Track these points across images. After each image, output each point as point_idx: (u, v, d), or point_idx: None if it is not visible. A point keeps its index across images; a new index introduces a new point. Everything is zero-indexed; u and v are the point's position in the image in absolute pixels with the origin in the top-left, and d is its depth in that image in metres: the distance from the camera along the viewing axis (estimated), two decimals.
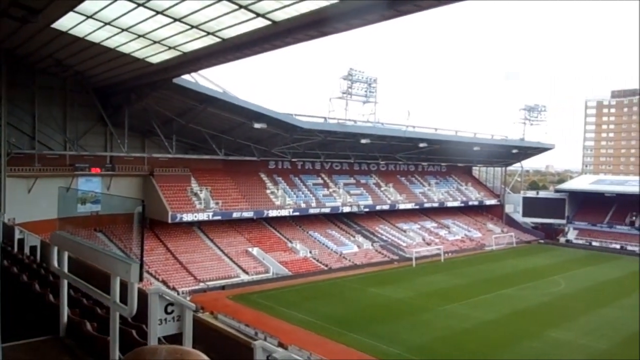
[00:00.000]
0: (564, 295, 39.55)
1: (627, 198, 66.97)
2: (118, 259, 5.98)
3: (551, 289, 41.40)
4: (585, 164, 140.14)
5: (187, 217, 41.77)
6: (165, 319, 5.96)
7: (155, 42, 23.74)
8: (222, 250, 44.12)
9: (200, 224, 45.54)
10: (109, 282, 5.89)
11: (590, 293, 40.48)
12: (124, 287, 5.80)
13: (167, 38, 23.06)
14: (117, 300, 5.86)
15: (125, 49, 25.19)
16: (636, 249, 61.00)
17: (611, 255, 58.95)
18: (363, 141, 49.65)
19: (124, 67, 28.80)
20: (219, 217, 44.34)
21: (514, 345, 27.58)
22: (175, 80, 31.80)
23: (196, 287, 37.60)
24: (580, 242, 66.01)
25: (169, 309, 6.00)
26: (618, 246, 62.80)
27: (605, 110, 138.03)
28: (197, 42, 23.04)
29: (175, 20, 20.69)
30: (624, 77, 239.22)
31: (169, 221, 40.58)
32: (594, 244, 64.59)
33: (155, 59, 26.33)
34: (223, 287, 38.73)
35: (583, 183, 78.39)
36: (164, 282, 36.58)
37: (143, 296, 5.80)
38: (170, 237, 43.11)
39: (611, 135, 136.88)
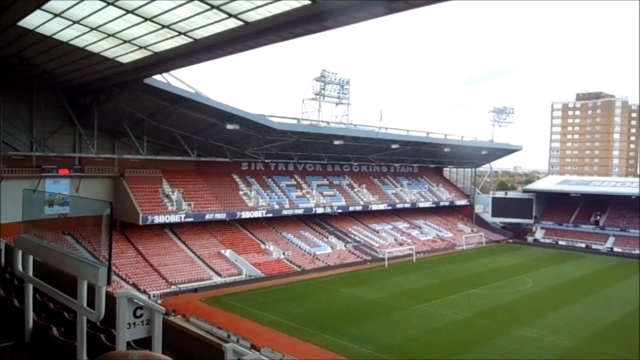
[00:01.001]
0: (532, 293, 40.50)
1: (591, 198, 69.17)
2: (85, 262, 5.94)
3: (519, 287, 42.37)
4: (551, 165, 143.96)
5: (159, 219, 41.23)
6: (134, 323, 5.94)
7: (125, 42, 23.38)
8: (194, 253, 43.70)
9: (172, 226, 45.02)
10: (76, 286, 5.84)
11: (557, 291, 41.56)
12: (91, 290, 5.77)
13: (137, 38, 22.75)
14: (85, 304, 5.82)
15: (94, 48, 24.74)
16: (600, 247, 63.02)
17: (577, 254, 60.65)
18: (336, 142, 49.91)
19: (93, 67, 28.28)
20: (191, 219, 43.92)
21: (484, 343, 28.12)
22: (146, 81, 31.40)
23: (168, 290, 37.14)
24: (547, 241, 67.74)
25: (138, 312, 5.98)
26: (583, 245, 64.66)
27: (570, 113, 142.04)
28: (169, 42, 22.80)
29: (145, 19, 20.44)
30: (589, 80, 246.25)
31: (140, 223, 39.99)
32: (560, 243, 66.37)
33: (125, 59, 25.93)
34: (195, 290, 38.37)
35: (550, 183, 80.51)
36: (135, 286, 36.05)
37: (111, 300, 5.78)
38: (141, 239, 42.49)
39: (576, 136, 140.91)
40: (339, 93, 51.90)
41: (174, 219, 42.45)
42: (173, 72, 31.48)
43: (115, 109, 36.39)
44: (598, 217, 68.59)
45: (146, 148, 42.43)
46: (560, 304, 36.88)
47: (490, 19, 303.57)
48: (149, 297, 34.63)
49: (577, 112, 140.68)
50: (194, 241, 45.19)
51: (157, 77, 32.04)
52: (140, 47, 24.01)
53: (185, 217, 43.17)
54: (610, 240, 64.13)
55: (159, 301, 33.53)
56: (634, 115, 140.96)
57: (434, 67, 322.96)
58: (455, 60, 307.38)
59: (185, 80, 35.65)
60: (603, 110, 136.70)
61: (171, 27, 20.88)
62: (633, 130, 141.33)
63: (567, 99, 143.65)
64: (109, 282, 5.59)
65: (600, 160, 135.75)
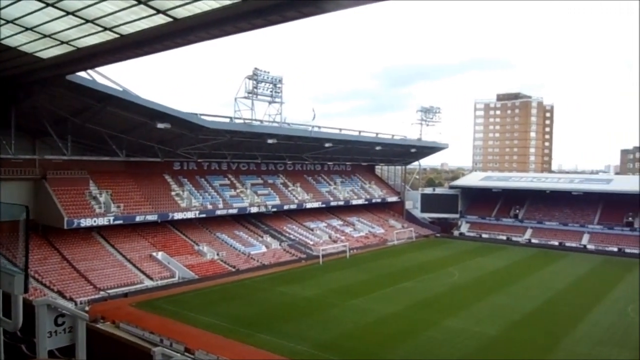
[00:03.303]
0: (458, 285, 42.59)
1: (511, 193, 73.67)
2: None
3: (446, 280, 44.43)
4: (475, 162, 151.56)
5: (86, 222, 39.50)
6: (56, 331, 5.84)
7: (45, 36, 22.23)
8: (124, 256, 42.26)
9: (100, 229, 43.25)
10: None
11: (481, 282, 43.92)
12: (8, 299, 5.62)
13: (58, 32, 21.68)
14: (0, 314, 5.67)
15: (10, 42, 23.30)
16: (519, 239, 67.22)
17: (498, 246, 64.40)
18: (270, 141, 49.92)
19: (9, 62, 26.57)
20: (120, 222, 42.39)
21: (414, 335, 29.29)
22: (70, 77, 29.97)
23: (96, 296, 35.72)
24: (471, 234, 71.37)
25: (60, 320, 5.89)
26: (504, 237, 68.70)
27: (491, 112, 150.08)
28: (93, 38, 21.90)
29: (67, 13, 19.57)
30: (507, 81, 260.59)
31: (65, 227, 38.14)
32: (483, 236, 70.16)
33: (45, 54, 24.62)
34: (126, 295, 37.17)
35: (473, 180, 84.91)
36: (60, 293, 34.42)
37: (30, 308, 5.66)
38: (66, 244, 40.54)
39: (497, 135, 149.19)
40: (271, 91, 51.89)
41: (102, 221, 40.81)
42: (99, 69, 30.33)
43: (36, 107, 34.39)
44: (517, 211, 73.16)
45: (70, 148, 40.41)
46: (484, 295, 39.06)
47: (418, 20, 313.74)
48: (76, 304, 33.24)
49: (498, 112, 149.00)
50: (123, 244, 43.69)
51: (82, 74, 30.70)
52: (62, 42, 22.90)
53: (114, 220, 41.62)
54: (528, 232, 68.60)
55: (87, 308, 32.27)
56: (548, 115, 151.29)
57: (363, 67, 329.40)
58: (382, 61, 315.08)
59: (113, 77, 34.29)
60: (521, 110, 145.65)
61: (95, 22, 20.12)
62: (547, 129, 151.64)
63: (489, 99, 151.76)
64: (26, 290, 5.46)
65: (519, 157, 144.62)
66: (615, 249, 60.37)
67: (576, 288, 42.11)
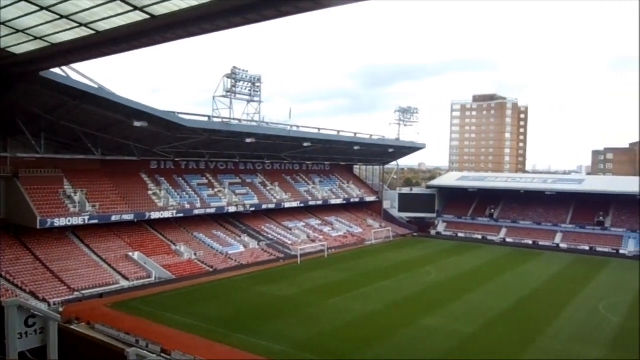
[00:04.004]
0: (435, 284, 43.07)
1: (486, 193, 74.88)
2: None
3: (424, 278, 44.90)
4: (451, 162, 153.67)
5: (60, 221, 38.69)
6: (27, 333, 5.76)
7: (18, 31, 21.77)
8: (99, 256, 41.56)
9: (74, 229, 42.43)
10: None
11: (457, 281, 44.48)
12: None
13: (32, 27, 21.26)
14: None
15: None
16: (495, 238, 68.34)
17: (474, 245, 65.36)
18: (248, 140, 49.68)
19: None
20: (95, 221, 41.64)
21: (392, 334, 29.47)
22: (43, 74, 29.35)
23: (70, 297, 35.05)
24: (448, 233, 72.27)
25: (30, 321, 5.81)
26: (480, 236, 69.76)
27: (468, 113, 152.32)
28: (68, 34, 21.51)
29: (42, 8, 19.19)
30: (485, 82, 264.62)
31: (38, 227, 37.30)
32: (459, 235, 71.12)
33: (18, 50, 24.08)
34: (101, 295, 36.58)
35: (450, 180, 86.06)
36: (33, 294, 33.69)
37: (0, 309, 5.56)
38: (39, 244, 39.68)
39: (473, 135, 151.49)
40: (250, 90, 51.70)
41: (76, 221, 40.01)
42: (75, 65, 29.75)
43: (8, 103, 33.56)
44: (492, 211, 74.38)
45: (44, 146, 39.63)
46: (461, 293, 39.57)
47: (399, 20, 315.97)
48: (49, 305, 32.59)
49: (474, 113, 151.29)
50: (99, 244, 42.97)
51: (57, 70, 30.11)
52: (36, 38, 22.45)
53: (89, 219, 40.87)
54: (503, 231, 69.81)
55: (60, 309, 31.68)
56: (522, 116, 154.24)
57: (343, 67, 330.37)
58: (361, 61, 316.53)
59: (89, 74, 33.68)
60: (496, 111, 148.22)
61: (70, 17, 19.77)
62: (522, 130, 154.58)
63: (465, 100, 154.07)
64: None
65: (494, 158, 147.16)
66: (587, 248, 61.87)
67: (550, 286, 43.00)
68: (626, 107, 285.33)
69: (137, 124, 37.82)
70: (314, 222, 65.79)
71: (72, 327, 29.15)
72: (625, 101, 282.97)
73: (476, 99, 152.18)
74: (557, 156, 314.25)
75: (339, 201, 69.90)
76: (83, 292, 36.28)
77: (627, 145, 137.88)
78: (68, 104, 35.03)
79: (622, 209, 66.33)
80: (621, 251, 59.74)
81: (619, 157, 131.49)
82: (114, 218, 43.06)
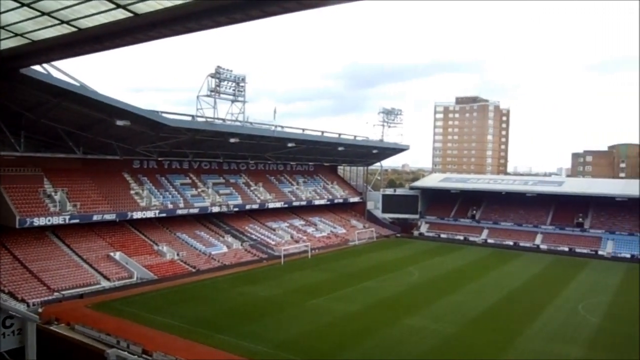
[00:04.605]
0: (418, 284, 43.42)
1: (468, 194, 75.70)
2: None
3: (406, 279, 45.22)
4: (434, 164, 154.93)
5: (39, 221, 38.12)
6: (4, 333, 5.74)
7: None
8: (80, 256, 41.04)
9: (54, 229, 41.83)
10: None
11: (440, 281, 44.87)
12: None
13: (12, 24, 20.95)
14: None
15: None
16: (476, 239, 69.09)
17: (456, 246, 66.01)
18: (232, 140, 49.49)
19: None
20: (76, 220, 41.11)
21: (374, 334, 29.63)
22: (24, 71, 28.92)
23: (50, 298, 34.57)
24: (431, 234, 72.87)
25: (8, 322, 5.78)
26: (462, 237, 70.46)
27: (451, 115, 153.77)
28: (49, 31, 21.24)
29: (23, 5, 18.93)
30: (468, 84, 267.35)
31: (17, 226, 36.70)
32: (442, 236, 71.76)
33: None
34: (81, 296, 36.15)
35: (433, 181, 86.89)
36: (11, 294, 33.13)
37: None
38: (18, 244, 39.05)
39: (455, 137, 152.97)
40: (234, 90, 51.50)
41: (56, 220, 39.46)
42: (56, 63, 29.39)
43: None
44: (474, 212, 75.20)
45: (24, 145, 39.01)
46: (443, 293, 39.95)
47: (384, 21, 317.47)
48: (28, 305, 32.09)
49: (457, 115, 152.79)
50: (79, 244, 42.43)
51: (38, 67, 29.68)
52: (16, 35, 22.11)
53: (69, 219, 40.34)
54: (485, 232, 70.63)
55: (40, 309, 31.22)
56: (504, 118, 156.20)
57: (328, 67, 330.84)
58: (346, 62, 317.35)
59: (71, 72, 33.27)
60: (479, 113, 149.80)
61: (52, 14, 19.54)
62: (504, 132, 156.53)
63: (449, 102, 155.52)
64: None
65: (476, 160, 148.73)
66: (567, 249, 62.90)
67: (530, 287, 43.62)
68: (605, 110, 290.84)
69: (119, 122, 37.42)
70: (298, 222, 65.80)
71: (51, 327, 28.85)
72: (604, 104, 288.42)
73: (459, 101, 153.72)
74: (537, 158, 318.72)
75: (322, 202, 70.02)
76: (63, 292, 35.81)
77: (605, 148, 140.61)
78: (49, 102, 34.56)
79: (600, 210, 67.62)
80: (600, 252, 60.86)
81: (598, 160, 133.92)
82: (95, 218, 42.57)
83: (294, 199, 65.44)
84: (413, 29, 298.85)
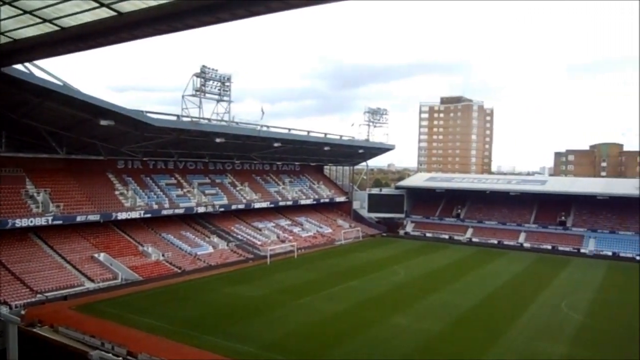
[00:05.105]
0: (403, 283, 43.66)
1: (453, 193, 76.35)
2: None
3: (392, 278, 45.45)
4: (420, 163, 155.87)
5: (21, 222, 37.58)
6: None
7: None
8: (63, 258, 40.54)
9: (37, 230, 41.24)
10: None
11: (425, 280, 45.18)
12: None
13: None
14: None
15: None
16: (461, 238, 69.69)
17: (441, 245, 66.52)
18: (218, 140, 49.28)
19: None
20: (60, 222, 40.60)
21: (360, 333, 29.73)
22: (5, 70, 28.47)
23: (33, 300, 34.12)
24: (416, 234, 73.32)
25: None
26: (447, 236, 71.00)
27: (436, 115, 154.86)
28: (32, 29, 20.96)
29: (4, 3, 18.65)
30: (452, 84, 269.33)
31: None
32: (427, 235, 72.24)
33: None
34: (65, 298, 35.73)
35: (418, 180, 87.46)
36: None
37: None
38: (0, 245, 38.45)
39: (440, 137, 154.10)
40: (219, 90, 51.26)
41: (39, 221, 38.94)
42: (38, 62, 29.01)
43: None
44: (459, 211, 75.86)
45: (5, 144, 38.47)
46: (428, 292, 40.22)
47: (369, 21, 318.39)
48: (10, 308, 31.66)
49: (442, 115, 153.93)
50: (63, 245, 41.91)
51: (19, 66, 29.26)
52: None
53: (53, 220, 39.83)
54: (469, 231, 71.28)
55: (23, 312, 30.82)
56: (488, 118, 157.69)
57: (314, 67, 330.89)
58: (332, 61, 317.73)
59: (53, 71, 32.81)
60: (463, 113, 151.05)
61: (34, 13, 19.30)
62: (487, 132, 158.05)
63: (433, 102, 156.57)
64: None
65: (461, 159, 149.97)
66: (550, 247, 63.77)
67: (514, 285, 44.13)
68: (587, 110, 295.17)
69: (103, 122, 37.04)
70: (284, 222, 65.76)
71: (34, 330, 28.50)
72: (586, 104, 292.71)
73: (444, 101, 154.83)
74: (521, 157, 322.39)
75: (309, 201, 70.06)
76: (46, 294, 35.37)
77: (587, 148, 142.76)
78: (31, 101, 34.10)
79: (582, 209, 68.67)
80: (582, 250, 61.82)
81: (580, 159, 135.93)
82: (79, 219, 42.09)
83: (280, 198, 65.38)
84: (398, 29, 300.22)
